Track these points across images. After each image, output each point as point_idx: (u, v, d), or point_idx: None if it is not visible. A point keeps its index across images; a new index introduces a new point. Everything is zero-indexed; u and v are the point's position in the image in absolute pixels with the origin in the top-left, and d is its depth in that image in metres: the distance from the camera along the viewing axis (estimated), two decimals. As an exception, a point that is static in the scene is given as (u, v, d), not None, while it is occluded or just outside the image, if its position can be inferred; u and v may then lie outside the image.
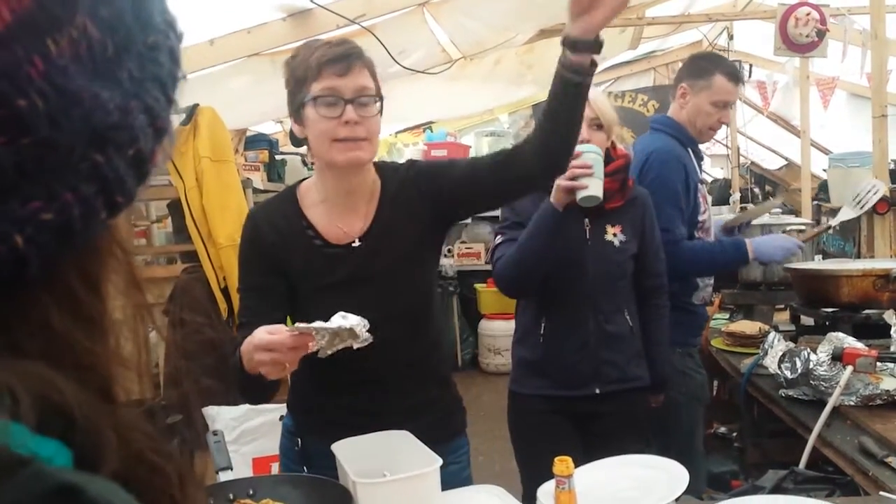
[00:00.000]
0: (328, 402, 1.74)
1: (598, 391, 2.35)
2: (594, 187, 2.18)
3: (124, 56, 0.40)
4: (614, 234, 2.38)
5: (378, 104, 1.68)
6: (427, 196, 1.78)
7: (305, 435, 1.84)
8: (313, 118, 1.64)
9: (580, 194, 2.19)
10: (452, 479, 1.58)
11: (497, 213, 2.49)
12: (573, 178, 2.17)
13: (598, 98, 2.28)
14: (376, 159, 1.79)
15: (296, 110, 1.69)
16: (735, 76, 2.99)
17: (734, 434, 3.78)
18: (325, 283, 1.74)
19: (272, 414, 2.72)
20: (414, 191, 1.79)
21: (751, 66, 7.07)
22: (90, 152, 0.38)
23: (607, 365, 2.36)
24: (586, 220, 2.35)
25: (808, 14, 4.93)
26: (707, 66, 2.95)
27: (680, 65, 8.72)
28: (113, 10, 0.39)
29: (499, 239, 2.41)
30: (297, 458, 1.84)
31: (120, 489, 0.36)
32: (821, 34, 4.93)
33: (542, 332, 2.37)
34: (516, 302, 2.56)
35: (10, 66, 0.35)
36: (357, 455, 1.60)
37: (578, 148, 2.08)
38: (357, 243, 1.75)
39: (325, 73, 1.61)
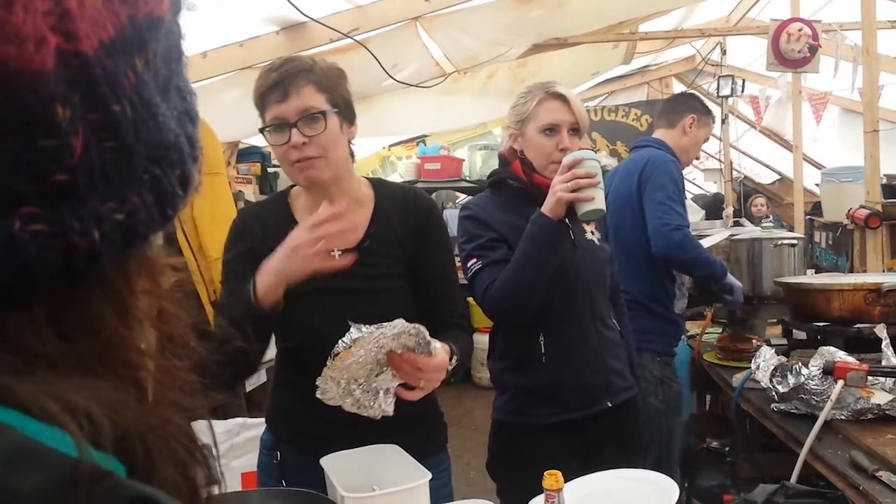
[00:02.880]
0: (308, 415, 1.72)
1: (609, 404, 2.19)
2: (599, 199, 1.99)
3: (171, 87, 0.45)
4: (592, 233, 2.26)
5: (326, 119, 1.65)
6: (412, 237, 1.80)
7: (284, 448, 1.83)
8: (270, 145, 1.70)
9: (584, 207, 1.99)
10: (433, 494, 1.56)
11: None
12: (576, 190, 1.98)
13: (577, 102, 2.18)
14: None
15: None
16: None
17: (726, 448, 3.77)
18: (308, 289, 1.72)
19: (262, 428, 2.70)
20: (412, 221, 1.80)
21: (743, 80, 7.10)
22: (151, 165, 0.42)
23: (614, 374, 2.22)
24: (566, 220, 2.13)
25: (800, 30, 4.95)
26: (707, 108, 3.39)
27: (673, 80, 8.78)
28: (168, 46, 0.44)
29: (477, 263, 2.12)
30: (275, 473, 1.82)
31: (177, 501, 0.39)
32: (813, 50, 4.95)
33: (542, 352, 2.15)
34: (494, 324, 2.30)
35: (112, 73, 0.39)
36: (345, 469, 1.59)
37: (579, 154, 2.02)
38: (338, 255, 1.75)
39: (268, 101, 1.65)
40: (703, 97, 3.77)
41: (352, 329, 1.44)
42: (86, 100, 0.38)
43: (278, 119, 1.64)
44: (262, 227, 1.77)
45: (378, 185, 1.85)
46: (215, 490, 0.47)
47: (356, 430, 1.61)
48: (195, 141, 0.47)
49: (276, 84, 1.63)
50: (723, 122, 7.42)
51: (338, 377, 1.51)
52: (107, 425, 0.37)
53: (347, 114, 1.72)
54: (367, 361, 1.50)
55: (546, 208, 2.03)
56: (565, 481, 1.50)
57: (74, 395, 0.37)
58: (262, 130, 1.68)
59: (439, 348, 1.54)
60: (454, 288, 1.89)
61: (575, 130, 2.15)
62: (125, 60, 0.40)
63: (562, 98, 2.16)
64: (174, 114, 0.44)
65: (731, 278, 3.15)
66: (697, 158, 3.58)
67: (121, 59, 0.39)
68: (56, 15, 0.36)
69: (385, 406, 1.56)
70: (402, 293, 1.79)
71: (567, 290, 2.15)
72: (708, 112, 3.34)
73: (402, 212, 1.80)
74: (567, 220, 2.12)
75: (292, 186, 1.87)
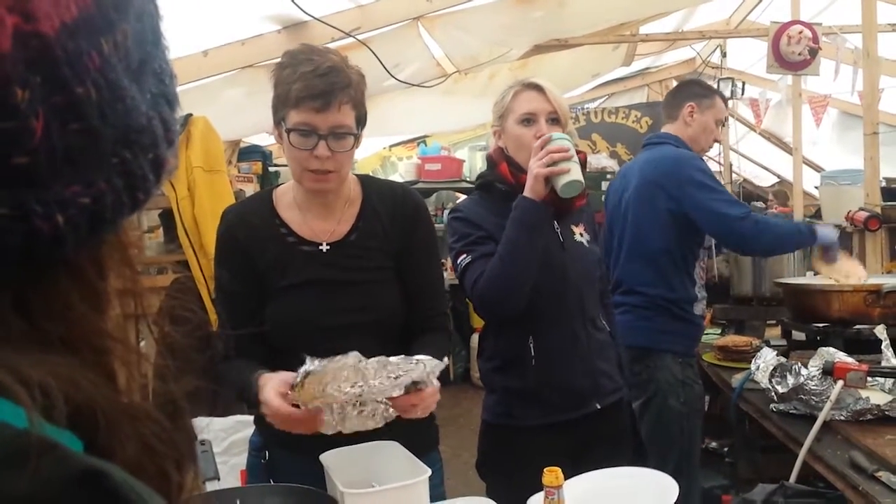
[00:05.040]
0: None
1: (598, 406, 2.18)
2: (575, 171, 1.99)
3: (146, 70, 0.44)
4: (581, 234, 2.23)
5: (354, 140, 1.68)
6: (399, 232, 1.81)
7: (273, 449, 1.82)
8: (287, 144, 1.67)
9: (562, 180, 1.98)
10: None
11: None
12: (552, 165, 1.98)
13: (555, 92, 2.16)
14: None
15: (276, 123, 1.71)
16: (725, 99, 3.32)
17: (726, 449, 3.78)
18: (296, 281, 1.74)
19: (260, 426, 2.70)
20: (400, 217, 1.81)
21: (743, 83, 7.09)
22: (121, 149, 0.41)
23: (603, 376, 2.20)
24: (555, 222, 2.17)
25: (800, 32, 4.95)
26: (707, 89, 3.26)
27: (674, 83, 8.77)
28: (141, 28, 0.43)
29: (466, 258, 2.11)
30: (263, 473, 1.82)
31: (133, 477, 0.38)
32: (813, 52, 4.95)
33: (532, 354, 2.13)
34: (483, 325, 2.30)
35: (74, 54, 0.38)
36: (345, 465, 1.59)
37: (548, 134, 2.03)
38: (325, 248, 1.76)
39: (304, 106, 1.61)
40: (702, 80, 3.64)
41: (306, 362, 1.43)
42: (47, 81, 0.37)
43: (308, 126, 1.63)
44: (246, 228, 1.77)
45: (366, 181, 1.87)
46: (193, 479, 0.46)
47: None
48: (171, 124, 0.46)
49: (320, 93, 1.60)
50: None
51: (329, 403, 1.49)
52: (61, 399, 0.37)
53: (364, 125, 1.74)
54: (351, 390, 1.46)
55: (526, 190, 2.03)
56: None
57: (30, 369, 0.37)
58: (288, 131, 1.64)
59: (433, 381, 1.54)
60: (438, 285, 1.92)
61: (554, 120, 2.13)
62: (89, 41, 0.39)
63: (537, 88, 2.15)
64: (148, 97, 0.44)
65: (822, 236, 2.97)
66: (716, 142, 3.42)
67: (84, 40, 0.39)
68: None
69: (387, 414, 1.55)
70: (389, 286, 1.79)
71: (557, 292, 2.14)
72: (708, 93, 3.19)
73: (389, 207, 1.81)
74: (556, 222, 2.15)
75: (278, 185, 1.88)
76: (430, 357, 1.53)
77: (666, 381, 2.87)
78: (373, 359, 1.45)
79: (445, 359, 1.58)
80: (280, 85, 1.65)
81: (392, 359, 1.47)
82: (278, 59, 1.71)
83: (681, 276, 2.96)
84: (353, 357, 1.43)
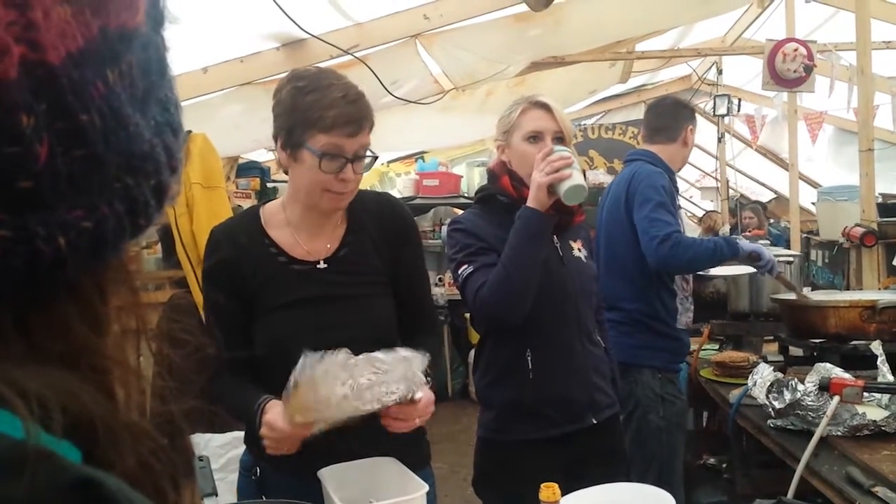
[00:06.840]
0: None
1: (594, 421, 2.18)
2: (577, 176, 2.02)
3: (151, 99, 0.45)
4: (579, 250, 2.26)
5: (373, 159, 1.74)
6: (389, 245, 1.83)
7: (263, 467, 1.80)
8: (310, 165, 1.66)
9: (565, 186, 2.01)
10: None
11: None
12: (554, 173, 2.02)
13: (561, 111, 2.19)
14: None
15: (291, 144, 1.68)
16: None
17: (723, 465, 3.77)
18: (289, 300, 1.74)
19: (259, 441, 2.69)
20: (390, 231, 1.83)
21: (739, 100, 7.15)
22: (124, 175, 0.42)
23: (598, 391, 2.21)
24: (554, 237, 2.19)
25: (795, 50, 5.00)
26: (692, 108, 3.39)
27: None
28: (147, 58, 0.44)
29: (468, 268, 2.12)
30: (254, 492, 1.81)
31: (129, 487, 0.39)
32: (808, 69, 4.99)
33: (529, 367, 2.14)
34: (480, 339, 2.32)
35: (79, 83, 0.39)
36: (341, 481, 1.59)
37: (549, 147, 2.07)
38: (322, 265, 1.77)
39: (337, 130, 1.63)
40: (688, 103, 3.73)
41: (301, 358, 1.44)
42: (52, 109, 0.38)
43: (339, 150, 1.64)
44: (233, 245, 1.76)
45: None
46: (191, 497, 0.47)
47: (336, 446, 1.59)
48: (174, 152, 0.47)
49: (355, 119, 1.64)
50: (719, 140, 7.45)
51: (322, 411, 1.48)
52: (58, 410, 0.38)
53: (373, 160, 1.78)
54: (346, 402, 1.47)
55: (529, 200, 2.06)
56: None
57: (28, 381, 0.37)
58: (321, 155, 1.64)
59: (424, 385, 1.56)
60: (428, 296, 1.97)
61: (560, 140, 2.15)
62: (94, 71, 0.40)
63: (545, 107, 2.18)
64: (152, 124, 0.45)
65: (745, 246, 2.97)
66: None
67: (89, 69, 0.40)
68: (21, 25, 0.37)
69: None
70: (381, 299, 1.80)
71: (555, 306, 2.15)
72: (694, 112, 3.36)
73: (378, 221, 1.83)
74: (556, 237, 2.18)
75: (264, 203, 1.88)
76: (413, 351, 1.53)
77: (645, 397, 2.90)
78: (361, 355, 1.47)
79: (428, 355, 1.57)
80: (304, 109, 1.64)
81: (377, 354, 1.49)
82: (277, 77, 1.73)
83: (657, 290, 3.00)
84: (344, 354, 1.45)
